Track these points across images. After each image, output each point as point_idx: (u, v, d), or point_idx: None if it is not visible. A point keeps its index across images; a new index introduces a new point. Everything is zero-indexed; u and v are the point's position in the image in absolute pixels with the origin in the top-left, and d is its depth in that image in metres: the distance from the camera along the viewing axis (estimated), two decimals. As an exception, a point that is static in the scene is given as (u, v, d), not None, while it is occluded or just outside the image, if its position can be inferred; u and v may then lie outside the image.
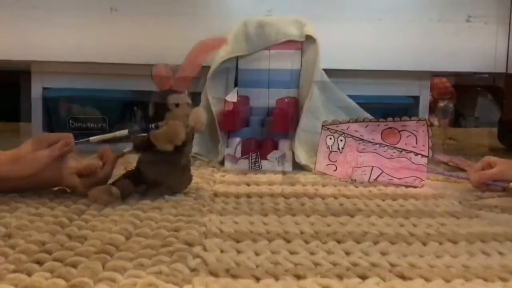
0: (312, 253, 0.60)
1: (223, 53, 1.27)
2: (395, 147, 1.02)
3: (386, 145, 1.03)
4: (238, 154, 1.17)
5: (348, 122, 1.09)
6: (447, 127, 0.95)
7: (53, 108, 1.47)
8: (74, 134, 0.90)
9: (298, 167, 1.16)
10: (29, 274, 0.52)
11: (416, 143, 1.01)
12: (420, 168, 1.00)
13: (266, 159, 1.16)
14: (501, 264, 0.58)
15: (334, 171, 1.08)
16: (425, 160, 1.01)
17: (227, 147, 1.20)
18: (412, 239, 0.66)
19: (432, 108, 1.96)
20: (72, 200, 0.82)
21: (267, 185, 0.99)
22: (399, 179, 1.00)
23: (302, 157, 1.16)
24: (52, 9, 1.35)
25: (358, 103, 1.34)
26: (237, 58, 1.29)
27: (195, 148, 1.30)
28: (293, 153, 1.16)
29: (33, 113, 1.46)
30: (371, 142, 1.04)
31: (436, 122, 1.95)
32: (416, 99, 1.51)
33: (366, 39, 1.39)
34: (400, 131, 1.03)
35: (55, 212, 0.75)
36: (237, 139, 1.19)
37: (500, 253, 0.62)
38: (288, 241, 0.65)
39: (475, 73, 1.75)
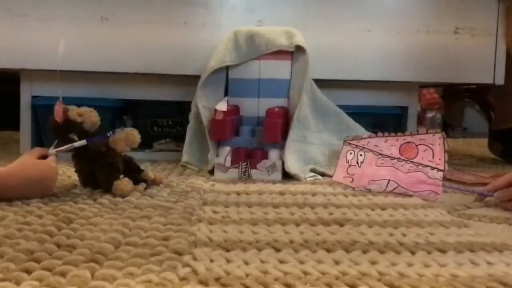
0: (301, 262, 0.60)
1: (213, 63, 1.27)
2: (412, 162, 1.03)
3: (404, 160, 1.03)
4: (228, 163, 1.18)
5: (369, 137, 1.12)
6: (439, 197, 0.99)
7: (42, 116, 1.46)
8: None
9: (287, 176, 1.16)
10: (17, 283, 0.51)
11: (433, 157, 1.02)
12: (435, 183, 1.00)
13: (256, 168, 1.16)
14: (489, 273, 0.59)
15: (350, 182, 1.10)
16: (440, 174, 1.01)
17: (217, 156, 1.20)
18: (401, 248, 0.66)
19: (420, 119, 1.97)
20: (61, 209, 0.82)
21: (256, 194, 0.99)
22: (415, 192, 1.01)
23: (292, 167, 1.16)
24: (42, 17, 1.34)
25: (347, 113, 1.35)
26: (227, 67, 1.29)
27: (185, 157, 1.30)
28: (283, 162, 1.16)
29: (22, 121, 1.45)
30: (389, 156, 1.06)
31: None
32: (404, 109, 1.52)
33: (355, 49, 1.40)
34: (418, 145, 1.05)
35: (44, 220, 0.75)
36: (227, 148, 1.19)
37: (488, 263, 0.62)
38: (278, 250, 0.65)
39: (463, 84, 1.77)
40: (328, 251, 0.65)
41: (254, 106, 1.28)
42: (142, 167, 1.04)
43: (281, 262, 0.60)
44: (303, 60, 1.26)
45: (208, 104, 1.27)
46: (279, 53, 1.27)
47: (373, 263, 0.61)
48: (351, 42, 1.39)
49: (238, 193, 1.00)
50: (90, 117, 0.95)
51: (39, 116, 1.46)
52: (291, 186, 1.08)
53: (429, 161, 1.02)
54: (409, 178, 1.02)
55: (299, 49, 1.26)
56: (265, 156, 1.18)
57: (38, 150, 0.94)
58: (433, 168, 1.01)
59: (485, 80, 1.45)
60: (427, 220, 0.82)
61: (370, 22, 1.40)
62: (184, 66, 1.37)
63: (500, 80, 1.44)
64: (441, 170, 1.01)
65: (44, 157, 0.92)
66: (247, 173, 1.17)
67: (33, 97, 1.45)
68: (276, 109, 1.19)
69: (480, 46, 1.43)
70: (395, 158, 1.05)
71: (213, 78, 1.29)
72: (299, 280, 0.54)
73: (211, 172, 1.20)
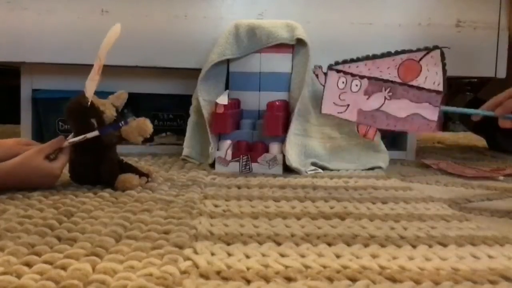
0: (302, 256, 0.60)
1: (214, 56, 1.27)
2: (412, 86, 0.92)
3: (404, 84, 0.93)
4: (229, 157, 1.17)
5: (357, 61, 0.98)
6: (436, 131, 0.94)
7: (43, 109, 1.46)
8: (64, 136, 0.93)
9: (288, 170, 1.16)
10: (18, 277, 0.51)
11: (436, 74, 0.94)
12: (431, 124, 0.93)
13: (256, 162, 1.16)
14: (490, 267, 0.58)
15: (341, 112, 0.99)
16: (439, 97, 0.92)
17: (217, 149, 1.20)
18: (402, 242, 0.66)
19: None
20: (62, 202, 0.82)
21: (257, 188, 0.99)
22: (407, 127, 0.94)
23: (293, 160, 1.16)
24: (42, 10, 1.34)
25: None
26: (228, 61, 1.29)
27: (186, 151, 1.30)
28: (283, 156, 1.16)
29: (22, 114, 1.45)
30: (390, 81, 0.94)
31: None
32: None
33: (356, 43, 1.39)
34: (420, 60, 0.94)
35: (45, 214, 0.75)
36: (228, 142, 1.19)
37: (489, 256, 0.62)
38: (279, 244, 0.65)
39: (464, 77, 1.77)
40: (329, 244, 0.65)
41: (255, 100, 1.27)
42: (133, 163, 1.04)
43: (282, 255, 0.60)
44: (304, 54, 1.25)
45: (209, 98, 1.27)
46: (280, 46, 1.26)
47: (374, 256, 0.61)
48: (353, 35, 1.39)
49: (239, 187, 1.00)
50: (110, 109, 0.95)
51: (40, 109, 1.46)
52: (292, 180, 1.08)
53: (434, 81, 0.93)
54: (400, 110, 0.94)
55: (300, 42, 1.26)
56: (266, 150, 1.18)
57: (49, 147, 0.91)
58: (430, 91, 0.92)
59: (486, 73, 1.45)
60: (428, 213, 0.82)
61: (371, 15, 1.39)
62: (185, 59, 1.37)
63: (502, 74, 1.43)
64: (439, 93, 0.93)
65: (55, 151, 0.91)
66: (248, 167, 1.16)
67: (34, 90, 1.45)
68: (277, 103, 1.19)
69: (482, 40, 1.42)
70: (395, 82, 0.94)
71: (214, 71, 1.28)
72: (300, 274, 0.54)
73: (212, 165, 1.20)
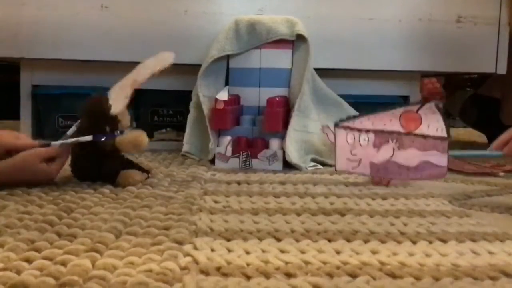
0: (302, 252, 0.60)
1: (214, 52, 1.27)
2: (417, 135, 0.96)
3: (409, 134, 0.96)
4: (229, 153, 1.17)
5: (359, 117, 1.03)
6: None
7: (42, 105, 1.46)
8: (63, 132, 0.93)
9: (288, 166, 1.16)
10: (18, 273, 0.51)
11: (438, 121, 0.96)
12: (441, 163, 0.96)
13: (256, 158, 1.16)
14: (490, 263, 0.58)
15: (355, 168, 1.03)
16: (445, 144, 0.94)
17: (217, 145, 1.20)
18: (402, 238, 0.66)
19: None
20: (62, 198, 0.82)
21: (257, 184, 0.99)
22: (418, 177, 0.98)
23: (293, 156, 1.16)
24: (42, 5, 1.34)
25: (348, 103, 1.34)
26: (228, 56, 1.29)
27: (185, 147, 1.30)
28: (283, 152, 1.16)
29: (22, 110, 1.45)
30: (395, 132, 0.98)
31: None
32: (406, 99, 1.52)
33: (357, 38, 1.39)
34: (418, 111, 0.97)
35: (44, 210, 0.75)
36: (228, 138, 1.19)
37: (490, 252, 0.62)
38: (279, 240, 0.65)
39: (465, 73, 1.76)
40: (329, 240, 0.65)
41: (255, 96, 1.27)
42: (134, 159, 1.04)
43: (282, 251, 0.60)
44: (304, 49, 1.25)
45: (209, 94, 1.27)
46: (280, 42, 1.26)
47: (374, 252, 0.61)
48: (353, 31, 1.39)
49: (239, 183, 1.00)
50: (126, 119, 0.94)
51: (40, 105, 1.46)
52: (292, 176, 1.08)
53: (436, 128, 0.96)
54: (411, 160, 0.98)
55: (300, 38, 1.25)
56: (266, 146, 1.18)
57: (46, 152, 0.89)
58: (436, 138, 0.95)
59: (487, 69, 1.45)
60: (428, 209, 0.82)
61: (372, 11, 1.39)
62: (184, 55, 1.36)
63: (502, 70, 1.43)
64: (445, 139, 0.96)
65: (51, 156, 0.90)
66: (248, 163, 1.16)
67: (34, 86, 1.45)
68: (277, 99, 1.19)
69: (482, 35, 1.42)
70: (400, 133, 0.98)
71: (214, 67, 1.28)
72: (300, 270, 0.54)
73: (212, 161, 1.20)
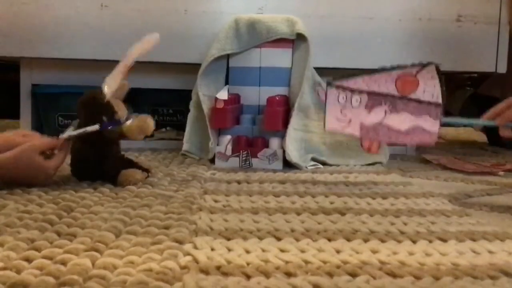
0: (302, 251, 0.60)
1: (214, 51, 1.27)
2: (411, 99, 0.94)
3: (403, 98, 0.94)
4: (229, 152, 1.17)
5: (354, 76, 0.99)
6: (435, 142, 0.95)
7: (42, 104, 1.46)
8: (62, 132, 0.92)
9: (288, 165, 1.16)
10: (18, 272, 0.51)
11: (434, 87, 0.94)
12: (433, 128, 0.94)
13: (256, 157, 1.16)
14: (490, 262, 0.58)
15: (345, 128, 0.99)
16: (439, 110, 0.93)
17: (217, 145, 1.19)
18: (402, 237, 0.66)
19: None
20: (61, 198, 0.82)
21: (257, 183, 0.99)
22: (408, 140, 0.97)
23: (293, 156, 1.16)
24: (41, 4, 1.34)
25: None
26: (228, 56, 1.29)
27: (185, 146, 1.30)
28: (283, 151, 1.16)
29: (22, 109, 1.45)
30: (390, 95, 0.96)
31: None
32: (406, 98, 1.51)
33: (357, 37, 1.39)
34: (416, 74, 0.96)
35: (44, 209, 0.75)
36: (228, 137, 1.19)
37: (490, 252, 0.62)
38: (279, 239, 0.65)
39: (465, 72, 1.76)
40: (329, 240, 0.65)
41: (255, 95, 1.27)
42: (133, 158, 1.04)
43: (282, 251, 0.60)
44: (304, 48, 1.25)
45: (209, 93, 1.26)
46: (280, 41, 1.26)
47: (374, 252, 0.61)
48: (353, 30, 1.38)
49: (239, 182, 1.00)
50: (122, 110, 0.94)
51: (39, 104, 1.46)
52: (292, 175, 1.08)
53: (432, 94, 0.94)
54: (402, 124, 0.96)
55: (300, 37, 1.25)
56: (266, 145, 1.18)
57: (45, 144, 0.89)
58: (430, 104, 0.94)
59: (487, 68, 1.44)
60: (428, 209, 0.82)
61: (371, 10, 1.39)
62: (184, 54, 1.36)
63: (502, 69, 1.43)
64: (439, 105, 0.94)
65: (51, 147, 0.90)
66: (247, 162, 1.16)
67: (33, 85, 1.44)
68: (277, 98, 1.19)
69: (482, 34, 1.42)
70: (394, 96, 0.96)
71: (214, 66, 1.28)
72: (300, 269, 0.54)
73: (212, 160, 1.20)
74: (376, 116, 0.96)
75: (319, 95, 1.01)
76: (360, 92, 0.97)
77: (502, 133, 0.91)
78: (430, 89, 0.94)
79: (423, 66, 0.95)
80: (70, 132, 0.92)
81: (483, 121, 0.93)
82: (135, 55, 0.93)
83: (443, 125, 0.96)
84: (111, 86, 0.90)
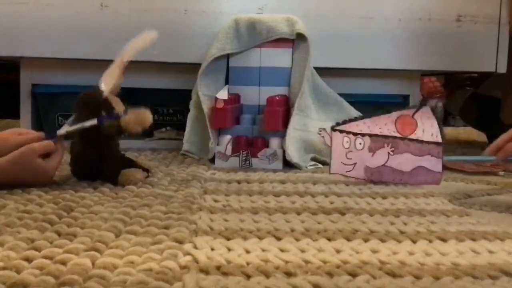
0: (302, 251, 0.60)
1: (214, 51, 1.27)
2: (412, 139, 0.97)
3: (404, 138, 0.98)
4: (229, 152, 1.17)
5: (357, 120, 1.03)
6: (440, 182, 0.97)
7: (42, 104, 1.46)
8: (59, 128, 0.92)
9: (288, 165, 1.16)
10: (18, 272, 0.51)
11: (432, 126, 0.97)
12: (436, 167, 0.97)
13: (256, 157, 1.16)
14: (490, 262, 0.58)
15: (349, 171, 1.03)
16: (440, 149, 0.95)
17: (217, 144, 1.19)
18: (402, 237, 0.66)
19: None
20: (61, 197, 0.82)
21: (257, 183, 0.99)
22: (412, 180, 0.99)
23: (293, 155, 1.16)
24: (41, 4, 1.34)
25: (348, 102, 1.34)
26: (228, 55, 1.29)
27: (185, 146, 1.30)
28: (283, 151, 1.16)
29: (22, 109, 1.45)
30: (391, 136, 0.99)
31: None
32: (406, 98, 1.52)
33: (357, 37, 1.39)
34: (414, 115, 0.98)
35: (44, 209, 0.75)
36: (228, 137, 1.19)
37: (490, 251, 0.62)
38: (279, 239, 0.65)
39: (465, 72, 1.76)
40: (329, 239, 0.65)
41: (255, 95, 1.27)
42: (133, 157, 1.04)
43: (282, 250, 0.60)
44: (304, 48, 1.25)
45: (209, 92, 1.26)
46: (280, 41, 1.26)
47: (374, 251, 0.61)
48: (353, 30, 1.38)
49: (239, 182, 1.00)
50: (120, 107, 0.93)
51: (39, 104, 1.46)
52: (292, 175, 1.08)
53: (431, 133, 0.97)
54: (407, 164, 0.99)
55: (300, 37, 1.25)
56: (266, 145, 1.18)
57: (43, 147, 0.88)
58: (430, 143, 0.97)
59: (487, 68, 1.44)
60: (428, 209, 0.82)
61: (371, 9, 1.39)
62: (184, 54, 1.36)
63: (502, 68, 1.43)
64: (440, 144, 0.97)
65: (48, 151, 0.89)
66: (247, 162, 1.16)
67: (33, 85, 1.44)
68: (277, 98, 1.19)
69: (482, 34, 1.42)
70: (395, 138, 0.99)
71: (214, 66, 1.28)
72: (300, 269, 0.54)
73: (212, 160, 1.20)
74: (380, 158, 1.00)
75: (324, 139, 1.04)
76: (363, 135, 1.01)
77: (505, 166, 0.91)
78: (428, 128, 0.98)
79: (418, 108, 0.98)
80: (67, 128, 0.91)
81: (484, 157, 0.95)
82: (132, 52, 0.93)
83: (444, 163, 0.99)
84: (107, 83, 0.90)
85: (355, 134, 1.01)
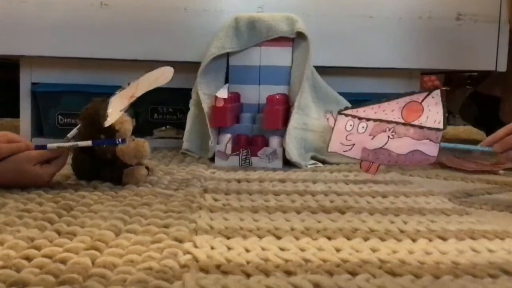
0: (302, 250, 0.60)
1: (213, 49, 1.27)
2: (413, 125, 0.97)
3: (405, 124, 0.96)
4: (229, 151, 1.17)
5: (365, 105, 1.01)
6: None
7: (42, 103, 1.45)
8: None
9: (288, 164, 1.16)
10: (17, 270, 0.51)
11: (437, 113, 0.95)
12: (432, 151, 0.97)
13: (256, 155, 1.16)
14: (490, 261, 0.58)
15: (346, 151, 1.00)
16: (439, 134, 0.93)
17: (217, 143, 1.19)
18: (402, 236, 0.66)
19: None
20: (61, 196, 0.82)
21: (257, 182, 0.99)
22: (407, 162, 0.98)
23: (293, 154, 1.16)
24: (41, 3, 1.33)
25: (348, 101, 1.34)
26: (228, 54, 1.29)
27: (185, 144, 1.30)
28: (283, 150, 1.16)
29: (22, 108, 1.45)
30: (392, 121, 0.97)
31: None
32: (406, 97, 1.51)
33: (357, 36, 1.39)
34: (422, 101, 0.96)
35: (44, 208, 0.75)
36: (228, 136, 1.19)
37: (490, 250, 0.62)
38: (279, 238, 0.65)
39: (465, 71, 1.76)
40: (329, 238, 0.65)
41: (255, 93, 1.27)
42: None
43: (282, 249, 0.60)
44: (304, 47, 1.25)
45: (209, 91, 1.26)
46: (280, 40, 1.26)
47: (374, 250, 0.61)
48: (353, 29, 1.38)
49: (238, 181, 1.00)
50: (126, 127, 0.91)
51: (39, 103, 1.46)
52: (292, 174, 1.08)
53: (435, 120, 0.94)
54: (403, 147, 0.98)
55: (301, 36, 1.25)
56: (266, 144, 1.18)
57: (40, 156, 0.86)
58: (431, 129, 0.97)
59: (487, 67, 1.44)
60: (428, 207, 0.82)
61: (371, 8, 1.39)
62: (184, 52, 1.36)
63: (502, 67, 1.43)
64: (440, 130, 0.94)
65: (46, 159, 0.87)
66: (247, 161, 1.16)
67: (33, 84, 1.44)
68: (277, 96, 1.19)
69: (482, 33, 1.41)
70: (397, 123, 0.98)
71: (214, 64, 1.28)
72: (300, 267, 0.54)
73: (212, 159, 1.20)
74: (379, 141, 0.98)
75: (328, 121, 1.03)
76: (367, 119, 0.99)
77: (502, 160, 0.91)
78: (433, 115, 0.96)
79: (429, 92, 0.97)
80: (60, 143, 0.88)
81: (481, 147, 0.94)
82: (145, 88, 0.90)
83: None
84: (113, 115, 0.87)
85: (360, 118, 1.00)
